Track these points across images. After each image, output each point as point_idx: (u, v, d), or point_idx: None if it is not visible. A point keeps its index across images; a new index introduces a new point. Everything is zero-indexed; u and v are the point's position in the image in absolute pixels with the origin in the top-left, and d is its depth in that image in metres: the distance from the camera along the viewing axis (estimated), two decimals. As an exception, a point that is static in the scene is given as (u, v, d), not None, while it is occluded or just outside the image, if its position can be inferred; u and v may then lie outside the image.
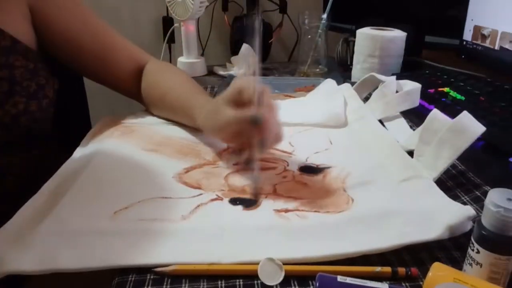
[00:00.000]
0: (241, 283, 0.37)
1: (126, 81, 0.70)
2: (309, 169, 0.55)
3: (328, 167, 0.55)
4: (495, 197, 0.33)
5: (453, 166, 0.52)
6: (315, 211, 0.45)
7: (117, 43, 0.70)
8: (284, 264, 0.37)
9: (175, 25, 1.09)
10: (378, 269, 0.37)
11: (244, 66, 1.00)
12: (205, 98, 0.61)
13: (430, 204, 0.45)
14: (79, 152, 0.59)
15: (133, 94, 0.72)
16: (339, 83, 0.79)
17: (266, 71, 1.06)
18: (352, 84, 0.79)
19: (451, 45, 0.95)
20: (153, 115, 0.71)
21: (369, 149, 0.59)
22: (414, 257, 0.39)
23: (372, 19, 0.96)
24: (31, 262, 0.37)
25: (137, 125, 0.67)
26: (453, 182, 0.51)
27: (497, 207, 0.32)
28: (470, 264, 0.35)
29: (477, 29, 0.85)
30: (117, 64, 0.69)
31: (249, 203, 0.47)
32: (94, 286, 0.40)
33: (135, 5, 1.32)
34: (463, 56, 0.90)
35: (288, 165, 0.56)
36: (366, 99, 0.75)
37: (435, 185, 0.48)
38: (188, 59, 1.06)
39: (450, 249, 0.41)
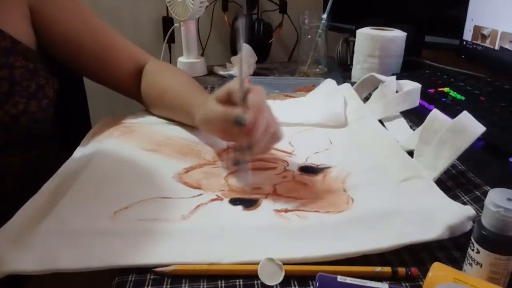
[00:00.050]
0: (241, 283, 0.37)
1: (126, 81, 0.70)
2: (309, 169, 0.55)
3: (328, 167, 0.55)
4: (495, 197, 0.33)
5: (453, 166, 0.52)
6: (315, 211, 0.45)
7: (117, 43, 0.70)
8: (284, 264, 0.37)
9: (175, 25, 1.09)
10: (378, 269, 0.37)
11: (244, 66, 1.00)
12: (204, 96, 0.61)
13: (430, 204, 0.45)
14: (79, 152, 0.59)
15: (133, 94, 0.72)
16: (339, 83, 0.79)
17: (266, 71, 1.06)
18: (352, 84, 0.79)
19: (451, 45, 0.95)
20: (153, 115, 0.71)
21: (369, 149, 0.59)
22: (414, 257, 0.39)
23: (372, 19, 0.96)
24: (31, 262, 0.37)
25: (137, 125, 0.67)
26: (453, 182, 0.51)
27: (497, 207, 0.32)
28: (470, 264, 0.35)
29: (477, 29, 0.85)
30: (117, 64, 0.69)
31: (249, 203, 0.47)
32: (94, 286, 0.40)
33: (135, 5, 1.32)
34: (463, 56, 0.90)
35: (288, 165, 0.56)
36: (366, 99, 0.75)
37: (435, 185, 0.48)
38: (188, 59, 1.07)
39: (450, 249, 0.41)
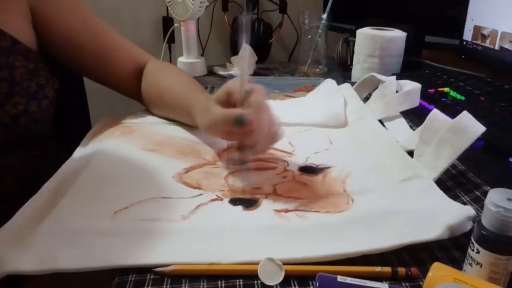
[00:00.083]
0: (241, 283, 0.37)
1: (126, 81, 0.70)
2: (309, 169, 0.55)
3: (328, 167, 0.55)
4: (495, 197, 0.33)
5: (453, 166, 0.52)
6: (315, 211, 0.45)
7: (117, 43, 0.70)
8: (284, 264, 0.37)
9: (175, 25, 1.09)
10: (378, 269, 0.37)
11: (244, 66, 1.00)
12: (205, 96, 0.61)
13: (430, 204, 0.45)
14: (79, 152, 0.59)
15: (133, 94, 0.72)
16: (339, 83, 0.79)
17: (266, 71, 1.06)
18: (352, 84, 0.79)
19: (451, 45, 0.95)
20: (153, 115, 0.71)
21: (369, 149, 0.59)
22: (414, 257, 0.39)
23: (372, 19, 0.96)
24: (31, 262, 0.37)
25: (137, 125, 0.67)
26: (453, 182, 0.51)
27: (497, 207, 0.32)
28: (470, 264, 0.35)
29: (477, 29, 0.85)
30: (117, 64, 0.69)
31: (249, 203, 0.47)
32: (94, 286, 0.40)
33: (135, 5, 1.32)
34: (463, 56, 0.90)
35: (288, 165, 0.56)
36: (366, 99, 0.75)
37: (435, 185, 0.48)
38: (188, 59, 1.07)
39: (450, 249, 0.41)
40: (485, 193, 0.47)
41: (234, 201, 0.47)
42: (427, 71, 0.90)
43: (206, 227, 0.43)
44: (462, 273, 0.33)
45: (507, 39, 0.77)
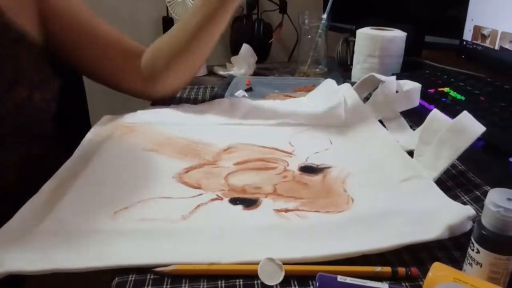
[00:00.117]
0: (241, 283, 0.37)
1: (127, 78, 0.72)
2: (309, 169, 0.55)
3: (328, 167, 0.55)
4: (495, 197, 0.33)
5: (453, 166, 0.52)
6: (315, 211, 0.45)
7: (118, 41, 0.71)
8: (284, 264, 0.37)
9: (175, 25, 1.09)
10: (378, 269, 0.37)
11: (244, 66, 1.00)
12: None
13: (430, 204, 0.45)
14: (79, 152, 0.59)
15: (134, 92, 0.73)
16: (339, 83, 0.79)
17: (266, 71, 1.05)
18: (352, 84, 0.78)
19: (451, 45, 0.95)
20: (153, 114, 0.70)
21: (369, 149, 0.59)
22: (414, 257, 0.39)
23: (372, 19, 0.96)
24: (31, 262, 0.37)
25: (137, 125, 0.67)
26: (453, 182, 0.51)
27: (497, 207, 0.32)
28: (470, 264, 0.35)
29: (477, 29, 0.85)
30: (117, 62, 0.70)
31: (249, 203, 0.47)
32: (94, 286, 0.40)
33: (135, 5, 1.32)
34: (463, 56, 0.90)
35: (288, 165, 0.56)
36: (366, 99, 0.75)
37: (435, 185, 0.48)
38: (188, 59, 1.06)
39: (450, 249, 0.41)
40: (485, 193, 0.47)
41: (234, 201, 0.47)
42: (427, 71, 0.90)
43: (206, 227, 0.43)
44: (462, 273, 0.33)
45: (507, 39, 0.77)
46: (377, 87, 0.73)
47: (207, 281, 0.37)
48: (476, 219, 0.36)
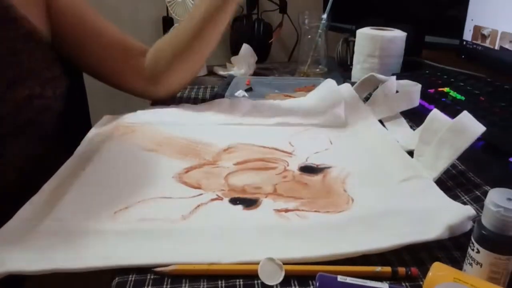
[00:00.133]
0: (241, 283, 0.37)
1: (129, 77, 0.72)
2: (309, 169, 0.55)
3: (328, 167, 0.55)
4: (495, 197, 0.33)
5: (453, 166, 0.52)
6: (315, 211, 0.45)
7: (120, 40, 0.71)
8: (284, 264, 0.37)
9: (175, 25, 1.09)
10: (378, 269, 0.37)
11: (244, 66, 1.00)
12: None
13: (430, 204, 0.45)
14: (79, 152, 0.59)
15: (135, 91, 0.73)
16: (339, 83, 0.79)
17: (266, 71, 1.05)
18: (352, 84, 0.79)
19: (451, 45, 0.95)
20: (153, 113, 0.71)
21: (369, 149, 0.59)
22: (414, 257, 0.39)
23: (372, 19, 0.96)
24: (31, 262, 0.37)
25: (137, 125, 0.67)
26: (453, 182, 0.51)
27: (497, 207, 0.32)
28: (470, 264, 0.35)
29: (477, 29, 0.85)
30: (118, 61, 0.70)
31: (249, 202, 0.47)
32: (94, 286, 0.40)
33: (135, 5, 1.32)
34: (463, 56, 0.90)
35: (288, 165, 0.56)
36: (366, 99, 0.75)
37: (435, 185, 0.48)
38: (188, 59, 1.06)
39: (450, 249, 0.41)
40: (485, 193, 0.47)
41: (234, 201, 0.47)
42: (427, 71, 0.90)
43: (206, 227, 0.43)
44: (462, 273, 0.33)
45: (507, 39, 0.77)
46: (377, 87, 0.73)
47: (207, 281, 0.37)
48: (476, 219, 0.36)
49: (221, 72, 1.04)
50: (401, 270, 0.37)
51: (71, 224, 0.43)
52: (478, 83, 0.79)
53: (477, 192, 0.48)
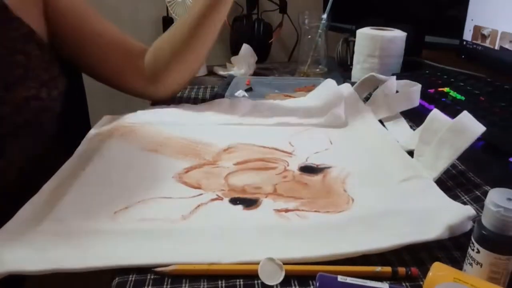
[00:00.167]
0: (241, 283, 0.37)
1: (128, 77, 0.71)
2: (309, 169, 0.55)
3: (328, 167, 0.55)
4: (495, 197, 0.33)
5: (453, 166, 0.52)
6: (315, 211, 0.45)
7: (120, 40, 0.71)
8: (284, 264, 0.37)
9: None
10: (378, 269, 0.37)
11: (244, 66, 1.00)
12: None
13: (430, 204, 0.45)
14: (79, 152, 0.59)
15: (135, 91, 0.73)
16: (339, 83, 0.79)
17: (266, 71, 1.06)
18: (352, 84, 0.79)
19: (451, 45, 0.95)
20: (154, 113, 0.71)
21: (369, 149, 0.59)
22: (414, 257, 0.39)
23: (372, 19, 0.96)
24: (31, 262, 0.37)
25: (137, 125, 0.67)
26: (453, 182, 0.51)
27: (497, 207, 0.32)
28: (470, 264, 0.35)
29: (477, 29, 0.85)
30: (118, 61, 0.70)
31: (249, 203, 0.47)
32: (94, 286, 0.40)
33: (135, 5, 1.32)
34: (463, 56, 0.90)
35: (288, 165, 0.56)
36: (366, 99, 0.75)
37: (435, 185, 0.48)
38: (188, 59, 1.06)
39: (450, 249, 0.41)
40: (485, 193, 0.47)
41: (234, 201, 0.47)
42: (427, 71, 0.90)
43: (206, 227, 0.43)
44: (462, 273, 0.33)
45: (507, 39, 0.77)
46: (377, 87, 0.73)
47: (207, 281, 0.37)
48: (476, 219, 0.36)
49: (221, 72, 1.04)
50: (401, 270, 0.37)
51: (71, 224, 0.43)
52: (478, 83, 0.79)
53: (477, 192, 0.48)
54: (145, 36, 1.32)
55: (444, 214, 0.41)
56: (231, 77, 0.93)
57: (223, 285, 0.36)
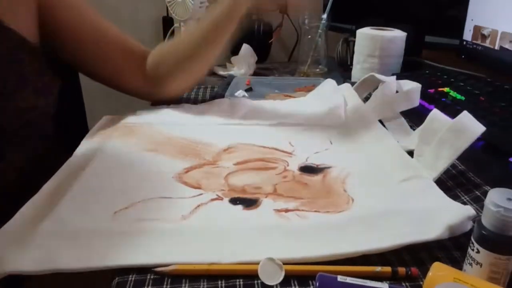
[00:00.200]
0: (241, 283, 0.37)
1: (128, 77, 0.71)
2: (309, 169, 0.55)
3: (328, 167, 0.55)
4: (495, 197, 0.33)
5: (453, 166, 0.52)
6: (315, 211, 0.45)
7: (119, 40, 0.71)
8: (284, 264, 0.37)
9: (175, 25, 1.09)
10: (378, 269, 0.37)
11: (244, 66, 1.00)
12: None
13: (430, 204, 0.45)
14: (79, 152, 0.59)
15: (134, 91, 0.73)
16: (339, 83, 0.79)
17: (266, 71, 1.05)
18: (352, 84, 0.79)
19: (451, 45, 0.95)
20: (154, 113, 0.70)
21: (369, 149, 0.59)
22: (414, 257, 0.39)
23: (372, 19, 0.96)
24: (31, 262, 0.37)
25: (137, 125, 0.67)
26: (453, 182, 0.51)
27: (497, 207, 0.32)
28: (470, 264, 0.35)
29: (477, 29, 0.85)
30: (117, 61, 0.70)
31: (249, 202, 0.47)
32: (94, 286, 0.40)
33: (135, 5, 1.32)
34: (463, 56, 0.90)
35: (288, 165, 0.56)
36: (366, 99, 0.75)
37: (435, 185, 0.48)
38: (188, 59, 1.06)
39: (450, 249, 0.41)
40: (485, 193, 0.47)
41: (234, 201, 0.47)
42: (427, 71, 0.90)
43: (206, 227, 0.43)
44: (462, 273, 0.33)
45: (507, 39, 0.77)
46: (377, 87, 0.73)
47: (207, 281, 0.37)
48: (476, 219, 0.36)
49: (221, 72, 1.04)
50: (401, 270, 0.37)
51: (71, 224, 0.43)
52: (478, 83, 0.79)
53: (477, 192, 0.48)
54: (145, 36, 1.33)
55: (444, 214, 0.41)
56: (231, 77, 0.93)
57: (223, 285, 0.36)
